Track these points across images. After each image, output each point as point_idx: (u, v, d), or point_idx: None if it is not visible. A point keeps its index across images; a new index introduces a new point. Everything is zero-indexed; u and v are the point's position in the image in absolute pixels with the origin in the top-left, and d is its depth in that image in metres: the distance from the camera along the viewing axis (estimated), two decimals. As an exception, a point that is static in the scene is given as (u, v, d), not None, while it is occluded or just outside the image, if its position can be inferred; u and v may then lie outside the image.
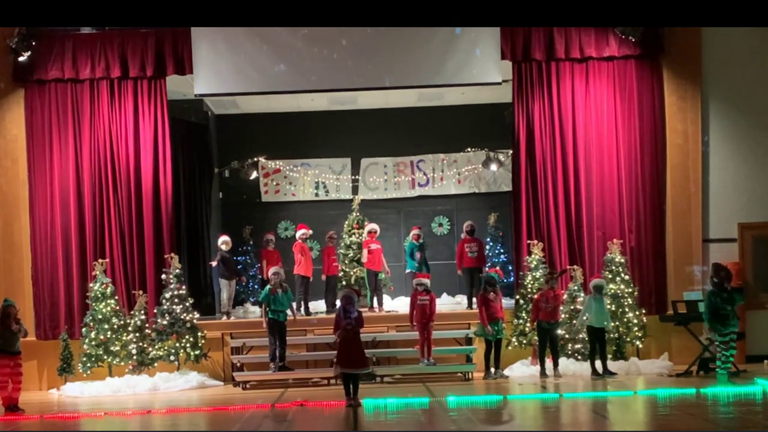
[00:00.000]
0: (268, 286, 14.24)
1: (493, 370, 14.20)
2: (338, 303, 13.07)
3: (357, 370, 11.89)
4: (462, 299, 17.25)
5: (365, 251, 16.45)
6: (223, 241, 16.35)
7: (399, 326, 15.20)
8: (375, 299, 16.42)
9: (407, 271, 16.92)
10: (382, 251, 16.59)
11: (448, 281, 17.92)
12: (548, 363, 14.11)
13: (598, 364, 13.83)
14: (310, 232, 16.77)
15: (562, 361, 14.30)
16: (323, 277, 16.64)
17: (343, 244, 17.53)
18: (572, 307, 14.62)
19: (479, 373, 14.53)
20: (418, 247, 16.72)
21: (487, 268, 17.98)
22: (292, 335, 14.66)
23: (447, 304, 17.47)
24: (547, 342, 14.03)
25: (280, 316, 14.13)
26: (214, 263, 16.72)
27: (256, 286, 18.46)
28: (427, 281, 14.49)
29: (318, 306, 16.92)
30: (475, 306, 15.12)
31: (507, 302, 16.01)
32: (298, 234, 16.51)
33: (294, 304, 14.81)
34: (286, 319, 14.21)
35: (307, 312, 16.00)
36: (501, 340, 14.27)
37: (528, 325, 14.63)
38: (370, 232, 16.68)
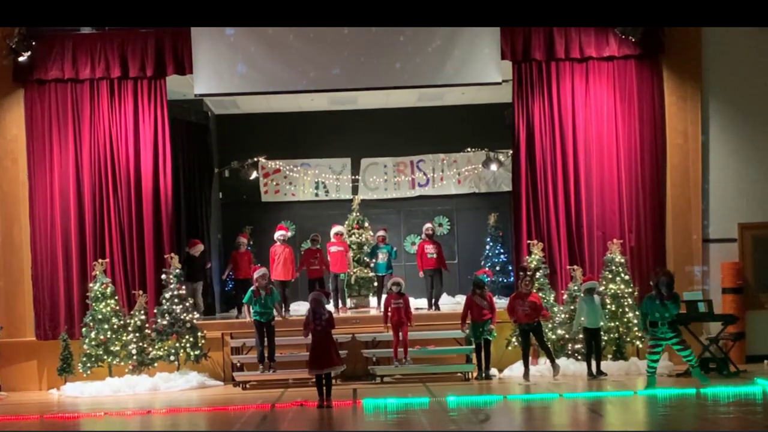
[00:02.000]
0: (251, 288, 14.25)
1: (494, 371, 14.21)
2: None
3: (326, 370, 11.96)
4: (463, 299, 17.24)
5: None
6: (195, 248, 16.61)
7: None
8: (339, 300, 16.45)
9: (380, 274, 16.94)
10: (344, 253, 16.52)
11: (447, 281, 17.90)
12: (547, 364, 14.15)
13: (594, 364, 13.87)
14: (289, 234, 16.69)
15: (563, 361, 14.30)
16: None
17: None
18: (572, 307, 14.63)
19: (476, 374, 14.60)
20: (381, 249, 16.73)
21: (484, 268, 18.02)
22: (292, 336, 14.65)
23: (447, 304, 17.50)
24: (530, 343, 14.02)
25: (262, 318, 14.08)
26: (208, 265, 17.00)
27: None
28: (402, 282, 14.44)
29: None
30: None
31: (504, 302, 16.07)
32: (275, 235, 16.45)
33: (282, 305, 14.88)
34: (269, 320, 14.10)
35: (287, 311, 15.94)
36: (489, 341, 14.27)
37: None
38: (335, 234, 16.65)
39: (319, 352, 11.99)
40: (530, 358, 14.12)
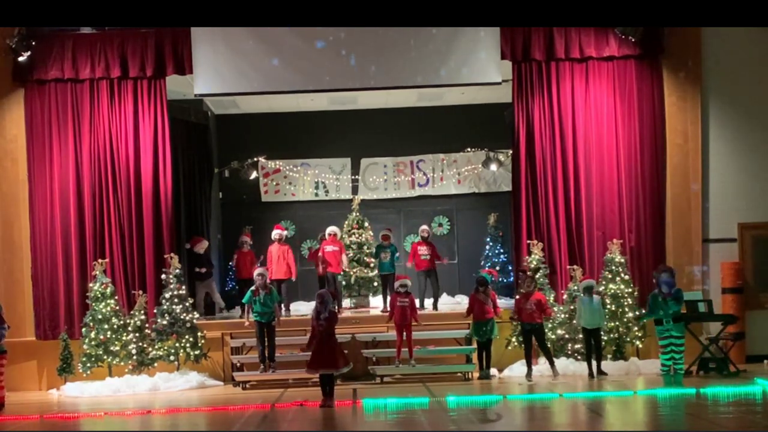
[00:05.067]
0: (251, 288, 14.24)
1: (494, 371, 14.21)
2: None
3: (330, 371, 11.90)
4: (462, 299, 17.26)
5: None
6: (200, 245, 16.77)
7: (399, 326, 15.20)
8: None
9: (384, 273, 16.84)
10: (338, 253, 16.25)
11: (448, 281, 17.91)
12: (546, 364, 14.16)
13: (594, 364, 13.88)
14: (285, 232, 16.61)
15: (562, 361, 14.31)
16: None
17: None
18: (572, 307, 14.64)
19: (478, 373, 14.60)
20: (385, 249, 16.64)
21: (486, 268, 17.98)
22: (291, 336, 14.67)
23: (447, 304, 17.51)
24: (532, 343, 14.03)
25: (262, 318, 14.06)
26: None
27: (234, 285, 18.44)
28: (408, 283, 14.46)
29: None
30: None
31: (506, 302, 16.11)
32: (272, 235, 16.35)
33: (281, 306, 14.86)
34: (269, 320, 14.10)
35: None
36: (491, 340, 14.27)
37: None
38: (329, 234, 16.45)
39: (319, 352, 11.91)
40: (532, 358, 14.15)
